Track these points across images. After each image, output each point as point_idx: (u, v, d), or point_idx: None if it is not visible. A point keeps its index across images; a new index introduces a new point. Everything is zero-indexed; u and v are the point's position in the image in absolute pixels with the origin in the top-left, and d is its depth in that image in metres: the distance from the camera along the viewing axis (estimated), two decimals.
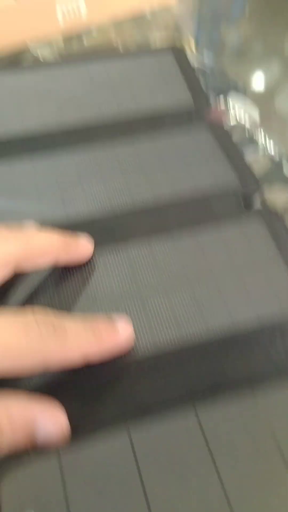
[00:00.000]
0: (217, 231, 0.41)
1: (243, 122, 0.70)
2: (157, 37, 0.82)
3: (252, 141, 0.67)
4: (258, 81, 0.82)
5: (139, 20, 0.80)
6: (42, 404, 0.28)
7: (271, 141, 0.67)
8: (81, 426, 0.29)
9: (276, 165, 0.64)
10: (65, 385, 0.31)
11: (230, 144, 0.51)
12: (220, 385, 0.31)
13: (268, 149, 0.66)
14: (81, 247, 0.38)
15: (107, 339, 0.32)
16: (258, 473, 0.27)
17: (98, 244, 0.40)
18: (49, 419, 0.28)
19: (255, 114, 0.72)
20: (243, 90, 0.76)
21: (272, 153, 0.66)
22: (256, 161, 0.66)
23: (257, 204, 0.47)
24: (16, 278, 0.36)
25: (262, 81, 0.82)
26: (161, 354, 0.33)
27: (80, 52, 0.74)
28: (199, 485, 0.26)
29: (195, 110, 0.57)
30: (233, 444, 0.28)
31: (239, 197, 0.45)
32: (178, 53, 0.65)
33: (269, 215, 0.43)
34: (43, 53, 0.71)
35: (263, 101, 0.78)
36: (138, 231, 0.41)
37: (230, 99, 0.72)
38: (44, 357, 0.28)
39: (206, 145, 0.50)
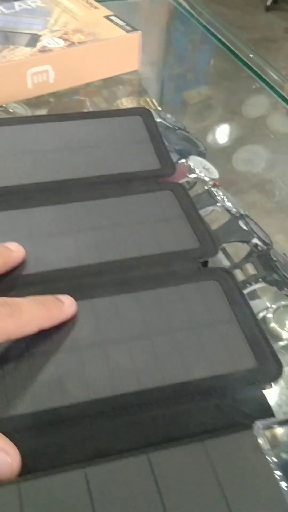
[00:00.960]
0: (176, 289, 0.44)
1: (202, 179, 0.74)
2: (123, 95, 0.88)
3: (211, 196, 0.72)
4: (218, 141, 0.87)
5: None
6: None
7: (228, 196, 0.72)
8: (42, 464, 0.31)
9: (233, 219, 0.68)
10: (30, 430, 0.33)
11: (192, 209, 0.55)
12: (173, 436, 0.33)
13: (226, 203, 0.71)
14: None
15: (55, 310, 0.39)
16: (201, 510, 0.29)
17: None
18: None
19: (214, 172, 0.77)
20: (204, 148, 0.81)
21: (230, 207, 0.71)
22: (214, 215, 0.70)
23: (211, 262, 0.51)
24: None
25: (222, 140, 0.88)
26: (120, 401, 0.35)
27: (46, 101, 0.78)
28: None
29: (161, 173, 0.60)
30: (180, 484, 0.31)
31: (198, 260, 0.49)
32: (146, 115, 0.69)
33: (223, 274, 0.46)
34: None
35: (223, 159, 0.83)
36: (104, 285, 0.44)
37: (190, 161, 0.76)
38: (5, 332, 0.35)
39: (170, 209, 0.54)
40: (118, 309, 0.41)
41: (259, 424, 0.34)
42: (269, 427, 0.34)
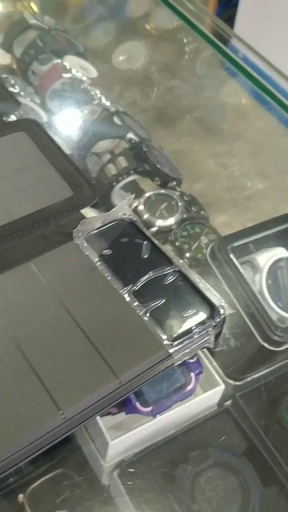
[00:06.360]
0: None
1: (80, 77, 0.72)
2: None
3: (88, 93, 0.70)
4: (97, 40, 0.84)
5: None
6: None
7: (106, 94, 0.70)
8: None
9: (108, 115, 0.67)
10: None
11: None
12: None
13: (103, 100, 0.69)
14: None
15: None
16: None
17: None
18: None
19: (93, 71, 0.75)
20: (83, 49, 0.78)
21: (107, 104, 0.69)
22: (92, 111, 0.68)
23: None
24: None
25: (101, 40, 0.84)
26: None
27: None
28: None
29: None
30: (19, 305, 0.33)
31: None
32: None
33: (28, 124, 0.46)
34: None
35: (101, 58, 0.80)
36: None
37: (65, 61, 0.73)
38: None
39: None
40: None
41: (77, 232, 0.36)
42: (88, 233, 0.36)
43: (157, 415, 0.38)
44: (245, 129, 0.83)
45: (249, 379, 0.44)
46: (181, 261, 0.33)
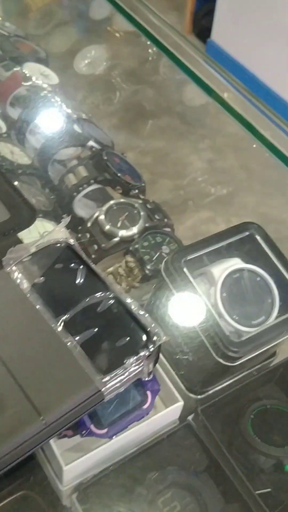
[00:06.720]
0: None
1: (40, 85, 0.70)
2: None
3: (48, 101, 0.68)
4: (58, 45, 0.83)
5: None
6: None
7: (66, 101, 0.69)
8: None
9: (68, 122, 0.65)
10: None
11: None
12: None
13: (64, 107, 0.68)
14: None
15: None
16: None
17: None
18: None
19: (54, 78, 0.73)
20: (44, 55, 0.77)
21: (68, 111, 0.68)
22: (52, 119, 0.67)
23: None
24: None
25: (63, 44, 0.83)
26: None
27: None
28: None
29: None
30: None
31: None
32: None
33: None
34: None
35: (63, 63, 0.79)
36: None
37: (25, 69, 0.72)
38: None
39: None
40: None
41: (7, 260, 0.34)
42: (19, 260, 0.34)
43: (114, 437, 0.37)
44: (226, 123, 0.82)
45: (210, 392, 0.43)
46: (119, 286, 0.32)
